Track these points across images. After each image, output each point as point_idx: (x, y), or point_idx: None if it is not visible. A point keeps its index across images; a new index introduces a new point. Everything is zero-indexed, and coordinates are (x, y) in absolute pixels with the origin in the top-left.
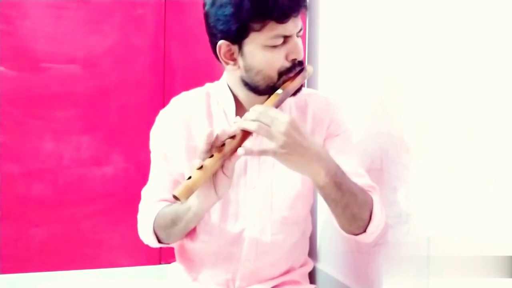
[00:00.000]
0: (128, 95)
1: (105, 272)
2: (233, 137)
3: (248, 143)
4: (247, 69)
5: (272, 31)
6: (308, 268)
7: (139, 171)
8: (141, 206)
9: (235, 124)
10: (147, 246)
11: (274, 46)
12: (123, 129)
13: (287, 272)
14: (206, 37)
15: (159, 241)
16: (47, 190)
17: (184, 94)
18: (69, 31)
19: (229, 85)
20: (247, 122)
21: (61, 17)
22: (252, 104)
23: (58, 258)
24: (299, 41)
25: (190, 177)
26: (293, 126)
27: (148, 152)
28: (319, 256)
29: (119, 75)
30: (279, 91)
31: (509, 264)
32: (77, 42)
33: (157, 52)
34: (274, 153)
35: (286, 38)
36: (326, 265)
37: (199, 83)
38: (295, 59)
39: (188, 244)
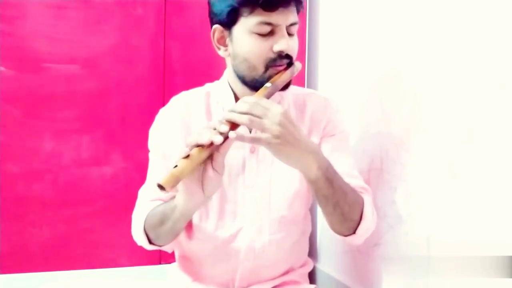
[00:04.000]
0: (128, 95)
1: (105, 272)
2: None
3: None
4: (235, 56)
5: (259, 18)
6: (308, 268)
7: (139, 171)
8: (136, 205)
9: (223, 115)
10: None
11: (261, 35)
12: (123, 129)
13: (287, 272)
14: (206, 37)
15: (150, 242)
16: (47, 190)
17: (184, 93)
18: (69, 31)
19: (229, 82)
20: (236, 115)
21: (61, 17)
22: None
23: (58, 258)
24: (293, 38)
25: (176, 166)
26: (286, 117)
27: (148, 152)
28: (319, 256)
29: (119, 75)
30: (268, 84)
31: (509, 264)
32: (77, 42)
33: (157, 52)
34: (268, 143)
35: (274, 29)
36: (326, 265)
37: (199, 83)
38: (281, 52)
39: (186, 243)
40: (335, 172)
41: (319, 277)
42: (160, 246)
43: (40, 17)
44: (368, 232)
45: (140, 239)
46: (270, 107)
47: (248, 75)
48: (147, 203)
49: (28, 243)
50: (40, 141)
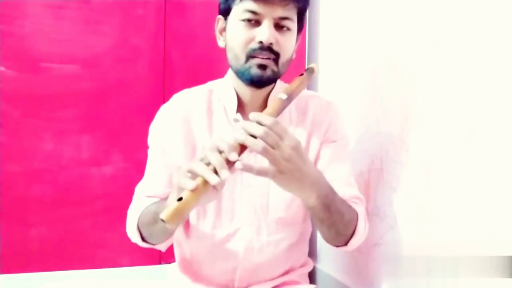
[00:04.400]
0: (128, 95)
1: (105, 272)
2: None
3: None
4: (226, 46)
5: (245, 5)
6: (308, 268)
7: (139, 171)
8: (132, 200)
9: (235, 136)
10: None
11: (247, 24)
12: (123, 129)
13: (286, 272)
14: (206, 37)
15: (143, 240)
16: (47, 190)
17: (186, 91)
18: (69, 31)
19: (230, 79)
20: (250, 139)
21: (61, 17)
22: (250, 100)
23: (58, 258)
24: (284, 33)
25: (180, 198)
26: (297, 150)
27: (147, 151)
28: (319, 256)
29: (119, 75)
30: (283, 96)
31: (509, 264)
32: (77, 42)
33: (157, 52)
34: (274, 177)
35: (260, 19)
36: (326, 265)
37: (199, 82)
38: (261, 42)
39: (185, 242)
40: (334, 197)
41: (319, 277)
42: (153, 244)
43: (40, 17)
44: (359, 243)
45: (133, 236)
46: (284, 137)
47: (234, 65)
48: (143, 199)
49: (28, 243)
50: (40, 141)
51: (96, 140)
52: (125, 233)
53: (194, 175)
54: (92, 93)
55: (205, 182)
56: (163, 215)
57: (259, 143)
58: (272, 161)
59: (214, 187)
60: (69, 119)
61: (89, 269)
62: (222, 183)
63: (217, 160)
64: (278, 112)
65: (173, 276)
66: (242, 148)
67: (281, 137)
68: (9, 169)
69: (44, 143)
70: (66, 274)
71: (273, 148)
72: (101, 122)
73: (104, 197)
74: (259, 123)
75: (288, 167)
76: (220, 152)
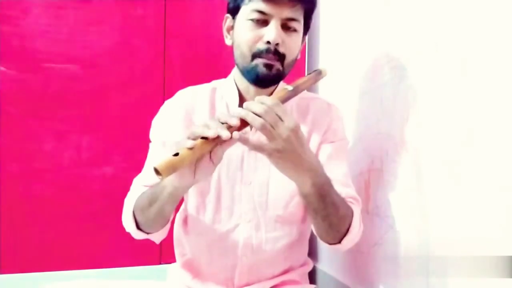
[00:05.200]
0: (128, 95)
1: (105, 272)
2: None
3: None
4: (233, 44)
5: (253, 5)
6: (308, 268)
7: (139, 171)
8: (130, 190)
9: (237, 111)
10: (147, 246)
11: (255, 24)
12: (123, 129)
13: (286, 271)
14: (206, 37)
15: (138, 227)
16: (47, 190)
17: (190, 88)
18: (69, 31)
19: (234, 78)
20: (250, 115)
21: (61, 17)
22: (253, 98)
23: (58, 258)
24: (290, 35)
25: (177, 154)
26: (295, 133)
27: (147, 150)
28: (319, 256)
29: (119, 75)
30: (289, 87)
31: (509, 264)
32: (77, 42)
33: (157, 52)
34: (269, 154)
35: (268, 19)
36: (326, 265)
37: (198, 83)
38: (268, 42)
39: (184, 239)
40: (330, 188)
41: (319, 277)
42: (147, 233)
43: (40, 17)
44: (353, 243)
45: (128, 223)
46: (284, 119)
47: (240, 63)
48: (140, 188)
49: (28, 243)
50: (40, 141)
51: (96, 140)
52: (125, 233)
53: (193, 137)
54: (92, 93)
55: (203, 144)
56: (156, 165)
57: (258, 119)
58: (270, 138)
59: (211, 159)
60: (69, 119)
61: (89, 269)
62: (219, 156)
63: (216, 124)
64: (282, 101)
65: (173, 276)
66: (242, 123)
67: (281, 118)
68: (9, 169)
69: (44, 143)
70: (66, 274)
71: (272, 126)
72: (101, 122)
73: (104, 197)
74: (262, 103)
75: (285, 147)
76: (222, 123)
